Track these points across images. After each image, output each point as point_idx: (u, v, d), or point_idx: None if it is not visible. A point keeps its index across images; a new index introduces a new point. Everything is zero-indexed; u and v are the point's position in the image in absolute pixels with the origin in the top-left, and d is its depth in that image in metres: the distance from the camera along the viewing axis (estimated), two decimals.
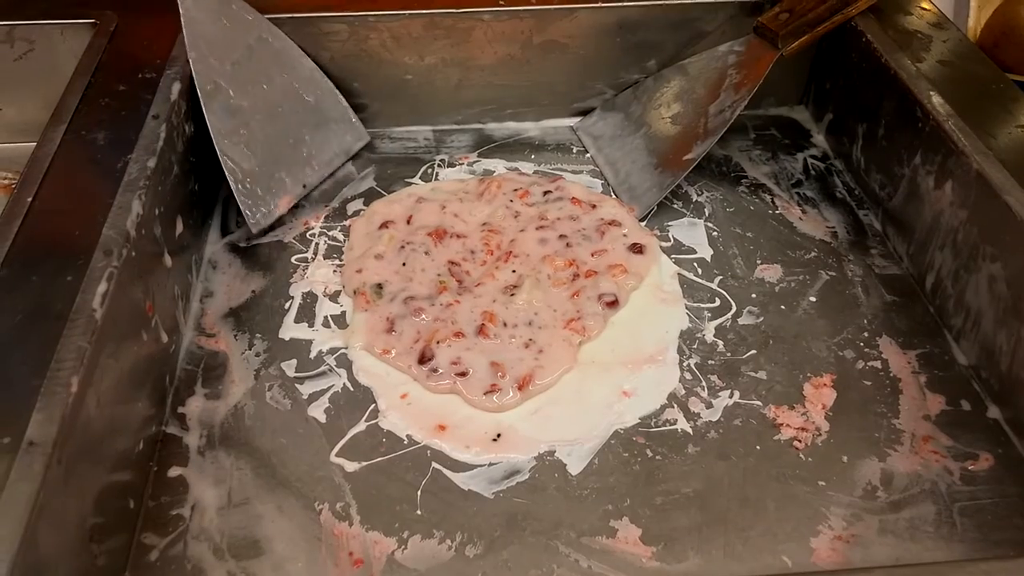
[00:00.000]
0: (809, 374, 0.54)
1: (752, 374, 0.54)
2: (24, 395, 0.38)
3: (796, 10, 0.66)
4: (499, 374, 0.52)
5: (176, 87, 0.58)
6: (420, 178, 0.69)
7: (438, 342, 0.54)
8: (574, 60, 0.72)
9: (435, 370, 0.53)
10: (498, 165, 0.71)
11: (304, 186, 0.65)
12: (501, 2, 0.69)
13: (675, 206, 0.67)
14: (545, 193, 0.66)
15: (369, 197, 0.67)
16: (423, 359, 0.53)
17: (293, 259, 0.61)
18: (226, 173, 0.57)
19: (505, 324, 0.55)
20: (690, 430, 0.51)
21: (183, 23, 0.57)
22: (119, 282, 0.45)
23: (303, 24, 0.67)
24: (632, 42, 0.71)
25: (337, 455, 0.49)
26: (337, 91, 0.68)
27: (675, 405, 0.52)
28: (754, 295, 0.59)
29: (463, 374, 0.52)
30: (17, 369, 0.40)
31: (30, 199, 0.49)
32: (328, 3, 0.68)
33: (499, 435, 0.50)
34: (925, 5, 0.71)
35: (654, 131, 0.69)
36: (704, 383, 0.53)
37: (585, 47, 0.71)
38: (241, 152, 0.58)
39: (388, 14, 0.68)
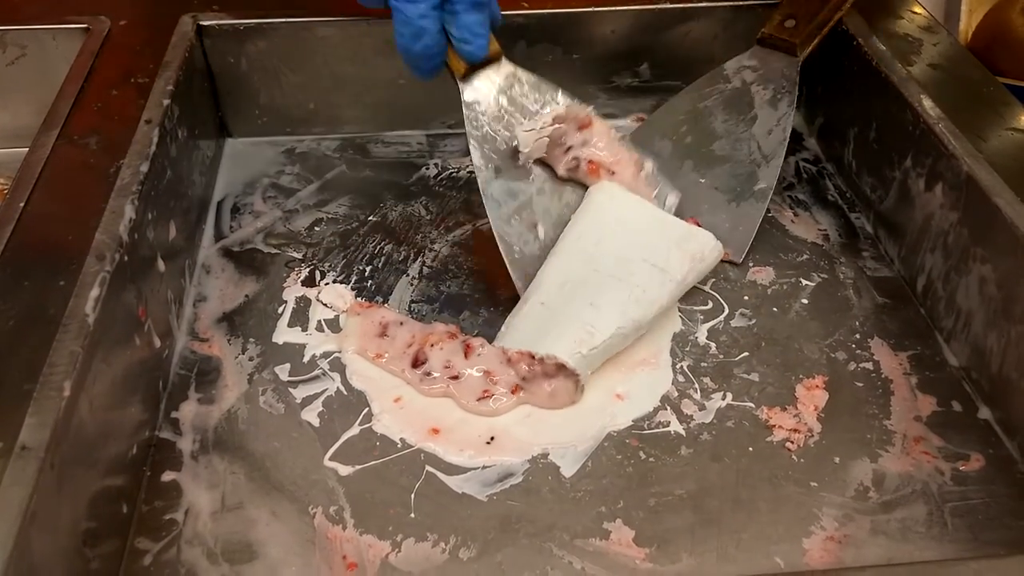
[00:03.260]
0: (801, 376, 0.54)
1: (744, 376, 0.54)
2: (17, 399, 0.38)
3: (801, 15, 0.65)
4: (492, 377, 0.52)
5: (168, 91, 0.58)
6: (414, 182, 0.69)
7: (431, 345, 0.54)
8: (567, 64, 0.72)
9: (428, 374, 0.53)
10: None
11: None
12: None
13: None
14: None
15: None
16: (416, 363, 0.53)
17: (286, 263, 0.61)
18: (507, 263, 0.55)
19: None
20: (683, 432, 0.51)
21: (464, 104, 0.55)
22: (112, 287, 0.45)
23: (297, 29, 0.68)
24: (625, 46, 0.72)
25: (331, 459, 0.49)
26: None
27: (668, 407, 0.52)
28: (746, 297, 0.60)
29: (456, 377, 0.52)
30: (10, 373, 0.40)
31: (23, 204, 0.49)
32: (324, 7, 0.68)
33: (492, 438, 0.50)
34: (916, 9, 0.71)
35: (701, 168, 0.65)
36: (697, 385, 0.54)
37: (577, 51, 0.72)
38: (521, 235, 0.56)
39: (382, 19, 0.68)
